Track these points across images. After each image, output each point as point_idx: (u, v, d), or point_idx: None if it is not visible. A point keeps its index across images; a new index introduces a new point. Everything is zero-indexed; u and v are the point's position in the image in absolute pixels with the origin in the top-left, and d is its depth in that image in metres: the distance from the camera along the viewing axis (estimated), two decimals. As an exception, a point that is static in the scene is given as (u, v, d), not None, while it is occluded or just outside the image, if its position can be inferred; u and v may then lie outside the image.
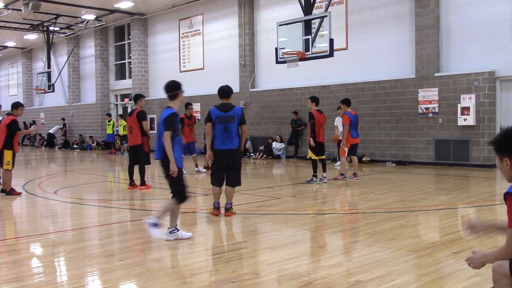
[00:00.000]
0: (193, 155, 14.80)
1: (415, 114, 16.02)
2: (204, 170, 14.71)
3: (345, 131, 12.09)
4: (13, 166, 10.62)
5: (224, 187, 7.92)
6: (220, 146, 7.69)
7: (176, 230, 6.41)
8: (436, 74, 15.42)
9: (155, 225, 6.21)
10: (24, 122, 36.46)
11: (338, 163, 14.91)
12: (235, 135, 7.68)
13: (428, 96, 15.59)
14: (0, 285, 4.68)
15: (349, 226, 7.46)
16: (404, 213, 7.97)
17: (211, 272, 4.99)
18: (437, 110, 15.43)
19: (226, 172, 7.79)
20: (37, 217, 8.24)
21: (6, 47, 36.35)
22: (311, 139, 11.70)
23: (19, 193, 10.64)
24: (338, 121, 15.24)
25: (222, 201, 8.00)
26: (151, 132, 25.58)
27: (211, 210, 8.10)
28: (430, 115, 15.62)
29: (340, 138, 12.61)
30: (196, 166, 14.90)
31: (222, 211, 7.98)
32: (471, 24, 14.71)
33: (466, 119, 14.63)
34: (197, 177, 13.95)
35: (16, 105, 10.81)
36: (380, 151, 17.00)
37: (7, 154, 10.48)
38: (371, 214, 8.01)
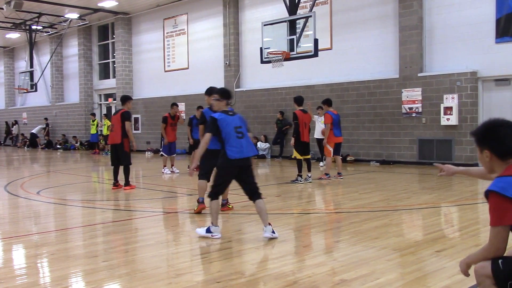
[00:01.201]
0: (173, 155, 14.74)
1: (399, 114, 16.15)
2: (169, 172, 14.57)
3: (327, 130, 12.16)
4: None
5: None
6: (212, 147, 7.55)
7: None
8: (419, 74, 15.56)
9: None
10: (6, 122, 36.04)
11: (324, 163, 14.97)
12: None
13: (412, 96, 15.72)
14: (-18, 287, 4.62)
15: (333, 225, 7.49)
16: (388, 212, 8.02)
17: (196, 272, 4.98)
18: (420, 110, 15.57)
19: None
20: (20, 218, 8.14)
21: (-13, 46, 35.91)
22: (293, 138, 11.78)
23: None
24: (318, 120, 15.34)
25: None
26: (135, 132, 25.53)
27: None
28: (414, 115, 15.76)
29: (323, 137, 12.72)
30: (164, 166, 14.77)
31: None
32: (454, 25, 14.87)
33: (449, 118, 14.79)
34: (173, 177, 13.90)
35: None
36: (364, 150, 17.10)
37: None
38: (355, 213, 8.06)
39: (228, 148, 6.28)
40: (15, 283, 4.72)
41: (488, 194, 2.83)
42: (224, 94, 6.79)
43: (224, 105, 6.67)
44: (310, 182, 11.88)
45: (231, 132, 6.34)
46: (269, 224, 6.24)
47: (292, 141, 11.80)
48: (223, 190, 6.67)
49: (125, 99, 11.65)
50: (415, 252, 5.56)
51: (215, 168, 6.78)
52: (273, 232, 6.20)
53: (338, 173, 12.45)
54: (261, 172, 15.92)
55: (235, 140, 6.32)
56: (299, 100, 11.94)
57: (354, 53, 17.34)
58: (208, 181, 7.83)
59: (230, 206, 8.33)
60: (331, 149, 12.29)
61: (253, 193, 6.38)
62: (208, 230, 6.34)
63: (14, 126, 35.07)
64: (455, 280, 4.48)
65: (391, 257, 5.40)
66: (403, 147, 16.13)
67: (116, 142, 11.22)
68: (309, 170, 12.13)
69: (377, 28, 16.76)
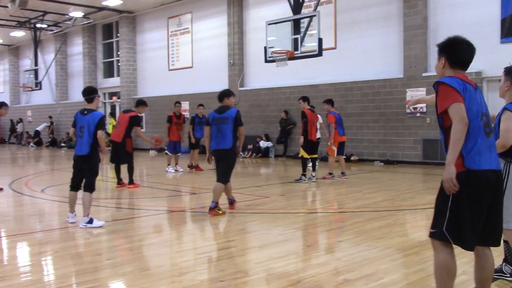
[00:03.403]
0: (178, 154, 14.72)
1: (403, 114, 16.11)
2: (173, 171, 14.59)
3: (332, 130, 12.13)
4: None
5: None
6: (214, 147, 8.02)
7: None
8: (424, 74, 15.52)
9: None
10: (11, 120, 36.13)
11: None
12: (229, 136, 7.87)
13: (416, 96, 15.68)
14: (-14, 284, 4.64)
15: (337, 225, 7.49)
16: (392, 212, 8.01)
17: (200, 271, 4.98)
18: (425, 110, 15.53)
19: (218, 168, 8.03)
20: (24, 216, 8.17)
21: (-8, 44, 36.01)
22: (302, 137, 11.72)
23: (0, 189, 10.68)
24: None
25: (223, 199, 8.00)
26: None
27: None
28: (418, 114, 15.72)
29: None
30: (169, 165, 14.78)
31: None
32: (458, 25, 14.81)
33: (453, 119, 14.72)
34: (177, 176, 13.92)
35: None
36: (368, 150, 17.07)
37: None
38: (359, 213, 8.05)
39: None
40: (19, 280, 4.74)
41: (437, 85, 3.45)
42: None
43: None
44: (314, 181, 11.87)
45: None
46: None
47: (302, 139, 11.74)
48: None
49: (139, 103, 11.80)
50: (419, 252, 5.55)
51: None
52: None
53: (342, 173, 12.44)
54: (265, 171, 15.93)
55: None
56: (307, 99, 11.98)
57: (358, 53, 17.31)
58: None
59: (219, 212, 7.81)
60: (335, 149, 12.27)
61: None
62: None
63: (19, 124, 35.16)
64: (458, 281, 4.47)
65: (395, 257, 5.39)
66: (407, 147, 16.10)
67: (117, 140, 11.28)
68: (313, 170, 12.12)
69: (382, 28, 16.73)
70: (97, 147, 7.28)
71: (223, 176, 7.91)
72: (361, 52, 17.23)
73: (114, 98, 28.29)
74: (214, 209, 7.80)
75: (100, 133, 7.17)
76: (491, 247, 3.59)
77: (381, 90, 16.62)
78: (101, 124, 7.21)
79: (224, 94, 8.29)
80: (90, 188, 7.29)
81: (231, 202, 8.41)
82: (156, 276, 4.76)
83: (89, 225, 7.07)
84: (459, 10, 14.89)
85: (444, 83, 3.42)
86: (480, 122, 3.41)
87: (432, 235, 3.46)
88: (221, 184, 7.88)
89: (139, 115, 11.61)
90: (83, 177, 7.32)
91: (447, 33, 14.67)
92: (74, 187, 7.42)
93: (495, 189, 3.42)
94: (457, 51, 3.57)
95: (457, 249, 3.46)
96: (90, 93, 7.49)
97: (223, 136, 7.87)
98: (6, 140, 36.71)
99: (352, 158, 17.02)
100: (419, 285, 4.46)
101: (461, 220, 3.32)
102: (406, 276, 4.74)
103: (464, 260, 4.79)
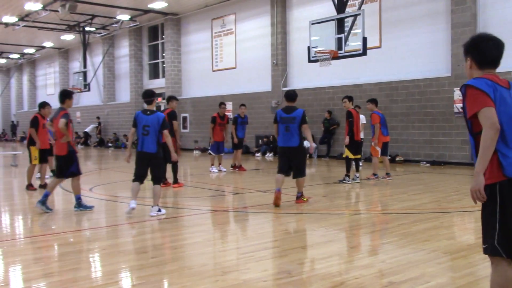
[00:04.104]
0: (221, 154, 14.80)
1: (450, 114, 15.71)
2: (217, 171, 14.66)
3: (377, 130, 11.92)
4: (39, 161, 11.28)
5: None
6: (282, 144, 8.76)
7: None
8: (472, 73, 15.07)
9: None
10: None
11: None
12: (296, 134, 8.63)
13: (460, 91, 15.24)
14: (36, 279, 4.80)
15: (381, 226, 7.37)
16: (439, 214, 7.82)
17: (243, 270, 5.00)
18: (473, 109, 15.07)
19: (291, 166, 8.75)
20: (73, 214, 8.41)
21: (44, 47, 37.26)
22: (348, 137, 11.60)
23: (35, 189, 11.14)
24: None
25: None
26: (183, 131, 25.92)
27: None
28: (466, 114, 15.27)
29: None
30: (212, 165, 14.87)
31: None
32: (510, 21, 14.32)
33: (503, 118, 14.24)
34: (220, 176, 14.00)
35: (42, 105, 11.45)
36: (414, 151, 16.73)
37: (33, 150, 11.24)
38: (404, 214, 7.90)
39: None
40: (68, 276, 4.88)
41: (465, 88, 3.24)
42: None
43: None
44: (358, 182, 11.73)
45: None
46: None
47: (347, 140, 11.62)
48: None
49: (169, 98, 11.98)
50: (467, 255, 5.39)
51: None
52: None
53: (387, 174, 12.23)
54: (308, 172, 15.82)
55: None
56: (352, 99, 11.87)
57: (404, 51, 16.99)
58: (283, 175, 8.78)
59: (305, 199, 8.90)
60: (379, 149, 12.08)
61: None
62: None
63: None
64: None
65: (442, 260, 5.26)
66: (454, 147, 15.68)
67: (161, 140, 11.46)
68: (357, 170, 11.97)
69: (428, 26, 16.36)
70: (163, 144, 8.06)
71: (301, 171, 8.78)
72: (407, 51, 16.91)
73: (160, 99, 28.78)
74: (300, 197, 8.83)
75: (166, 132, 7.96)
76: None
77: (427, 90, 16.26)
78: (165, 123, 7.97)
79: (294, 96, 8.96)
80: (159, 180, 8.13)
81: (298, 196, 8.93)
82: (199, 275, 4.80)
83: (159, 213, 7.87)
84: (510, 6, 14.39)
85: (472, 86, 3.20)
86: None
87: (484, 251, 3.27)
88: (303, 178, 8.84)
89: (174, 110, 11.70)
90: (147, 171, 8.04)
91: (497, 30, 14.21)
92: (138, 179, 8.09)
93: None
94: (483, 50, 3.35)
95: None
96: (149, 96, 8.27)
97: (291, 135, 8.61)
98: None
99: (397, 158, 16.72)
100: (467, 289, 4.33)
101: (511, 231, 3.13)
102: (453, 280, 4.61)
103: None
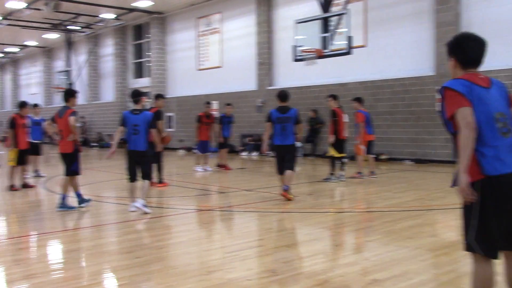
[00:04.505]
0: (207, 153, 14.75)
1: (434, 112, 15.83)
2: (202, 170, 14.60)
3: (361, 129, 11.99)
4: (18, 163, 11.12)
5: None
6: (279, 142, 9.13)
7: None
8: (456, 72, 15.21)
9: None
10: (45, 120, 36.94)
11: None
12: (291, 133, 9.10)
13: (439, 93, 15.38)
14: (18, 281, 4.75)
15: (366, 224, 7.41)
16: (422, 212, 7.89)
17: (227, 269, 5.00)
18: (457, 108, 15.22)
19: (283, 161, 9.10)
20: (56, 214, 8.33)
21: (27, 46, 36.85)
22: (332, 136, 11.64)
23: (17, 189, 11.06)
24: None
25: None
26: (168, 130, 25.80)
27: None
28: (449, 113, 15.42)
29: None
30: (197, 164, 14.79)
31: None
32: (493, 21, 14.48)
33: (486, 117, 14.39)
34: (205, 175, 13.98)
35: (22, 104, 11.49)
36: (398, 149, 16.85)
37: (9, 152, 11.14)
38: (388, 212, 7.95)
39: None
40: (50, 277, 4.84)
41: (442, 90, 3.32)
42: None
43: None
44: (343, 180, 11.78)
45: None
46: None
47: (333, 138, 11.65)
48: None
49: (158, 96, 11.93)
50: (450, 252, 5.45)
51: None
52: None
53: (371, 172, 12.30)
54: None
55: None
56: (337, 98, 11.92)
57: (389, 50, 17.10)
58: (282, 174, 9.09)
59: (291, 196, 9.04)
60: (364, 148, 12.15)
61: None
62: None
63: (52, 124, 35.89)
64: (491, 282, 4.37)
65: (425, 258, 5.31)
66: (438, 145, 15.82)
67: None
68: (342, 169, 12.02)
69: (413, 25, 16.48)
70: (151, 142, 8.34)
71: (292, 165, 9.10)
72: (392, 50, 17.02)
73: (144, 98, 28.62)
74: (287, 191, 8.98)
75: (154, 131, 8.30)
76: None
77: (411, 88, 16.38)
78: (153, 122, 8.31)
79: (287, 96, 9.47)
80: (148, 176, 8.33)
81: (285, 189, 9.09)
82: (184, 275, 4.79)
83: (143, 207, 7.95)
84: (493, 6, 14.55)
85: (449, 88, 3.28)
86: (495, 124, 3.23)
87: (464, 248, 3.33)
88: (293, 172, 9.14)
89: (161, 109, 11.64)
90: (138, 168, 8.28)
91: (480, 29, 14.34)
92: (132, 178, 8.31)
93: None
94: (466, 50, 3.42)
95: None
96: (137, 95, 8.56)
97: (287, 134, 9.07)
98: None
99: (381, 157, 16.82)
100: (450, 286, 4.38)
101: (489, 229, 3.18)
102: (436, 276, 4.66)
103: (496, 261, 4.67)
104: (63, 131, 8.44)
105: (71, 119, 8.28)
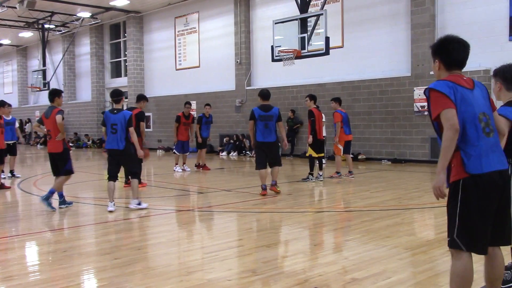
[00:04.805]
0: (185, 153, 14.71)
1: (410, 112, 16.06)
2: (181, 170, 14.57)
3: (338, 129, 12.08)
4: None
5: (268, 170, 9.85)
6: (262, 139, 9.59)
7: None
8: (431, 73, 15.42)
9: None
10: (20, 120, 36.34)
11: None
12: (273, 130, 9.63)
13: (424, 94, 15.60)
14: (-4, 283, 4.67)
15: (344, 224, 7.47)
16: (400, 211, 7.99)
17: (207, 270, 4.99)
18: (432, 108, 15.44)
19: (268, 158, 9.68)
20: (33, 215, 8.21)
21: (1, 45, 36.16)
22: (311, 136, 11.69)
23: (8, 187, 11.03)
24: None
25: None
26: (147, 130, 25.62)
27: (260, 192, 9.66)
28: (426, 113, 15.64)
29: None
30: (176, 164, 14.77)
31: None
32: (467, 22, 14.74)
33: (461, 117, 14.64)
34: (184, 175, 13.94)
35: (0, 104, 11.55)
36: (375, 149, 17.03)
37: None
38: (366, 212, 8.03)
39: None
40: (28, 280, 4.77)
41: (428, 91, 3.40)
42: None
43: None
44: (321, 180, 11.86)
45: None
46: None
47: (311, 139, 11.70)
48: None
49: (140, 98, 11.87)
50: (427, 251, 5.53)
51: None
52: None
53: (349, 172, 12.41)
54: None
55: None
56: (314, 98, 11.98)
57: (366, 51, 17.27)
58: (265, 169, 9.73)
59: (278, 189, 9.78)
60: (341, 148, 12.24)
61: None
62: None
63: (27, 124, 35.34)
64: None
65: (403, 256, 5.38)
66: (415, 145, 16.04)
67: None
68: (320, 169, 12.10)
69: (389, 26, 16.67)
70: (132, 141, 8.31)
71: (277, 161, 9.82)
72: (369, 51, 17.18)
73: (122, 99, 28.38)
74: (275, 185, 9.73)
75: (131, 129, 8.24)
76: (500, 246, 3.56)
77: (388, 89, 16.57)
78: (130, 121, 8.29)
79: (269, 94, 9.87)
80: (135, 174, 8.52)
81: (273, 184, 9.78)
82: (163, 275, 4.77)
83: (139, 206, 8.24)
84: (467, 8, 14.80)
85: (434, 89, 3.37)
86: (478, 124, 3.33)
87: (448, 244, 3.40)
88: (279, 167, 9.80)
89: (142, 111, 11.60)
90: (119, 169, 8.45)
91: (455, 31, 14.57)
92: (112, 177, 8.33)
93: (502, 189, 3.36)
94: (450, 52, 3.51)
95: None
96: (117, 95, 8.69)
97: (270, 131, 9.58)
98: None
99: (359, 157, 16.98)
100: (427, 284, 4.44)
101: (471, 225, 3.27)
102: (414, 275, 4.73)
103: (474, 259, 4.76)
104: (51, 131, 8.47)
105: (58, 117, 8.33)
